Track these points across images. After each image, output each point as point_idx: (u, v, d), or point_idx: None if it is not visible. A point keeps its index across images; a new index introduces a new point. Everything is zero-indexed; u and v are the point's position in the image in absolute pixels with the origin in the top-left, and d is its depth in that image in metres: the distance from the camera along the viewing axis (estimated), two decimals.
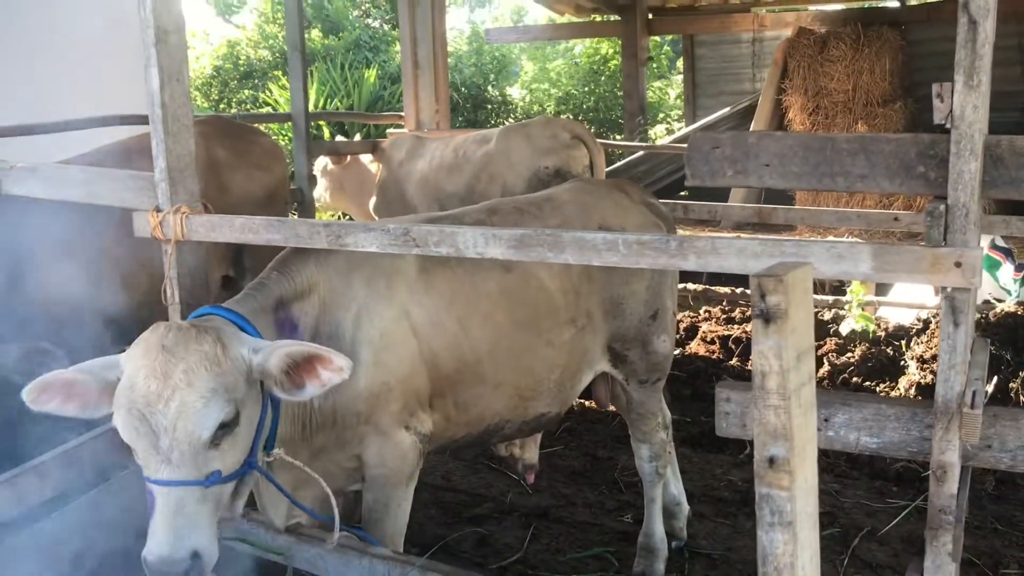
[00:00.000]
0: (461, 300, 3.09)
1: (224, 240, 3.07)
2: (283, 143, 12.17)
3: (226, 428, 2.34)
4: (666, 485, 4.13)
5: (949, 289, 2.02)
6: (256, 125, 7.01)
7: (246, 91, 17.57)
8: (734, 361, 6.42)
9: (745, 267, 2.10)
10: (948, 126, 2.01)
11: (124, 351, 2.45)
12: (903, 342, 6.29)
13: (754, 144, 2.18)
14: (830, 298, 7.29)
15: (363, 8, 20.22)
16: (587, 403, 5.86)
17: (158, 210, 3.15)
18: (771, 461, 1.43)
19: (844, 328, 6.60)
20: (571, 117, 16.29)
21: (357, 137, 10.87)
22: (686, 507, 4.33)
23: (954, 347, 2.07)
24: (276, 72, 17.45)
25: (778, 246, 2.11)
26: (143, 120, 7.61)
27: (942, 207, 1.95)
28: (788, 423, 1.40)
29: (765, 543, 1.45)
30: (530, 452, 4.19)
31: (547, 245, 2.40)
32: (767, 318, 1.40)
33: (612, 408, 4.06)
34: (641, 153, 9.78)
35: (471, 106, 16.21)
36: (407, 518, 3.11)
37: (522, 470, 4.25)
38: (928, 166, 2.00)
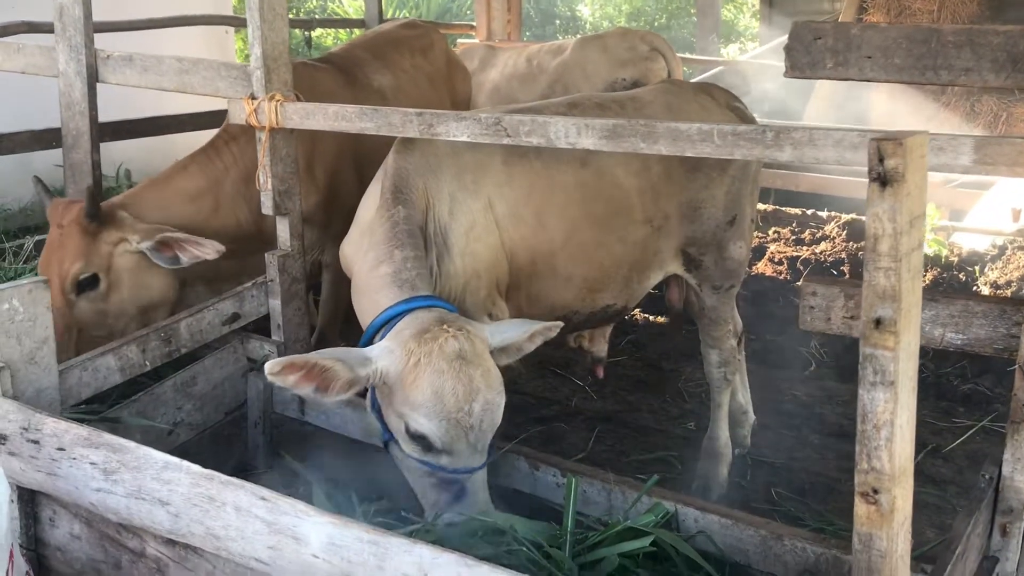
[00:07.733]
0: (538, 193, 3.15)
1: (317, 128, 3.14)
2: None
3: None
4: (733, 393, 4.17)
5: None
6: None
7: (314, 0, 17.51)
8: (801, 283, 6.37)
9: (842, 158, 2.11)
10: None
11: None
12: (976, 268, 6.18)
13: (856, 35, 2.15)
14: None
15: None
16: (651, 317, 5.91)
17: (253, 98, 3.22)
18: (878, 322, 1.47)
19: None
20: None
21: None
22: (752, 416, 4.38)
23: None
24: None
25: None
26: (224, 21, 7.70)
27: None
28: (897, 285, 1.43)
29: (866, 401, 1.51)
30: (599, 345, 4.25)
31: (640, 135, 2.42)
32: (884, 181, 1.42)
33: (680, 311, 4.07)
34: (715, 71, 9.56)
35: (539, 20, 15.96)
36: None
37: (590, 362, 4.32)
38: None
